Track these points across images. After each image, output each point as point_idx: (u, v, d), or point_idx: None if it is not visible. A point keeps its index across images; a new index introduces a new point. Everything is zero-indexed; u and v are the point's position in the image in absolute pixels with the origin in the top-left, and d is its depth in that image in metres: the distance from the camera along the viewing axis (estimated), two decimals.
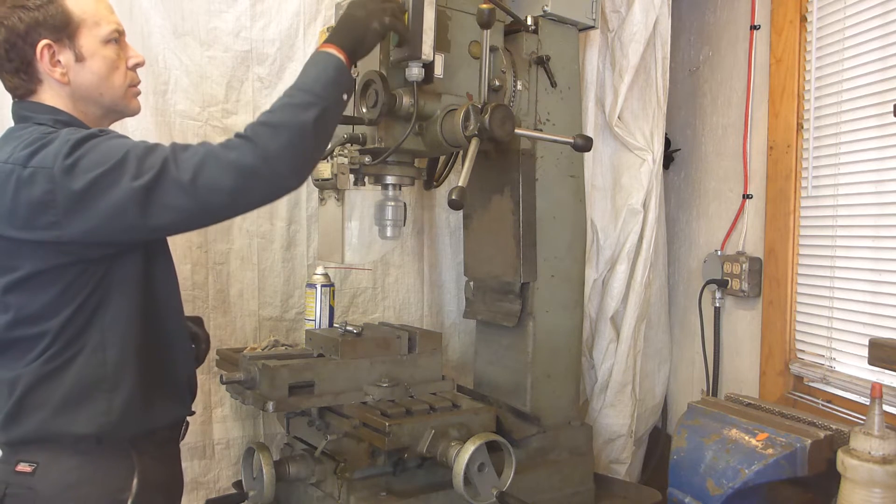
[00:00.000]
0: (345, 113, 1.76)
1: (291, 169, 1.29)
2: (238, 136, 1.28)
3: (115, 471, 1.36)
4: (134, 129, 2.00)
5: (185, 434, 1.59)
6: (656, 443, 2.76)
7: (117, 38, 1.43)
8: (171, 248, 2.05)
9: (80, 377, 1.33)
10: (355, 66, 1.53)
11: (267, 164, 1.25)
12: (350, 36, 1.44)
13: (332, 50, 1.39)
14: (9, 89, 1.41)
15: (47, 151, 1.24)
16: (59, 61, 1.36)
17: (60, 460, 1.32)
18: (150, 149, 1.26)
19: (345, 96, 1.39)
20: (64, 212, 1.23)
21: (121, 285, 1.37)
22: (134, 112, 1.52)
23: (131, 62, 1.47)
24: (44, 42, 1.34)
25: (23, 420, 1.32)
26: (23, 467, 1.31)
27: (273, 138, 1.26)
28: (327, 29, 1.92)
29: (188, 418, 1.59)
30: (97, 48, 1.39)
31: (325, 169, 1.78)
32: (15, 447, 1.34)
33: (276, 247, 2.25)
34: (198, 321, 1.78)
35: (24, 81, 1.37)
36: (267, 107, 2.13)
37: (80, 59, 1.38)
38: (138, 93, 1.51)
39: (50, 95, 1.39)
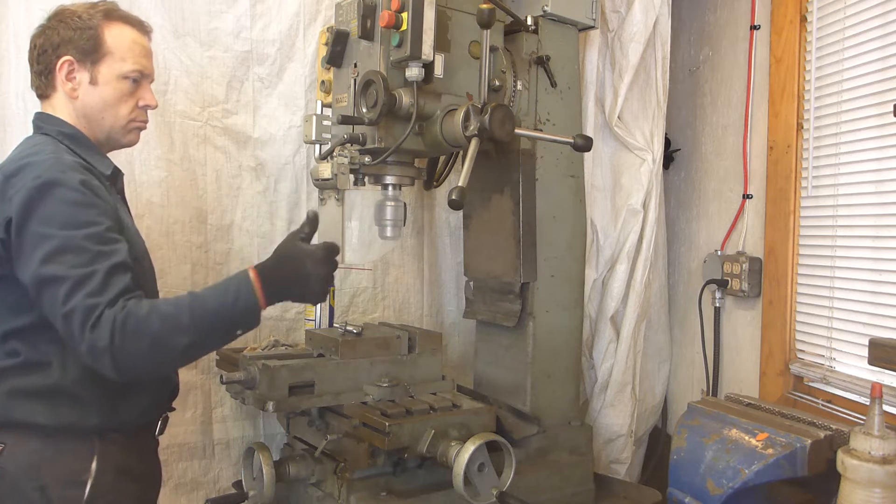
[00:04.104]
0: (344, 113, 1.77)
1: (129, 371, 1.31)
2: (121, 310, 1.28)
3: (76, 454, 1.42)
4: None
5: (163, 429, 1.63)
6: (656, 443, 2.76)
7: (137, 79, 1.54)
8: (171, 247, 2.07)
9: (46, 382, 1.40)
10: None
11: (115, 356, 1.27)
12: (283, 286, 1.41)
13: (256, 287, 1.36)
14: (32, 85, 1.55)
15: (25, 174, 1.35)
16: (74, 77, 1.49)
17: (25, 442, 1.40)
18: (77, 249, 1.31)
19: (239, 332, 1.38)
20: (7, 235, 1.34)
21: None
22: (129, 144, 1.61)
23: (142, 102, 1.56)
24: (66, 58, 1.48)
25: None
26: None
27: (136, 341, 1.28)
28: (327, 29, 1.92)
29: (168, 414, 1.64)
30: (112, 79, 1.51)
31: (325, 169, 1.78)
32: None
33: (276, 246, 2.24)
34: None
35: (43, 84, 1.52)
36: (267, 107, 2.20)
37: (93, 82, 1.50)
38: (141, 128, 1.59)
39: (59, 104, 1.52)
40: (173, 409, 1.66)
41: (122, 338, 1.26)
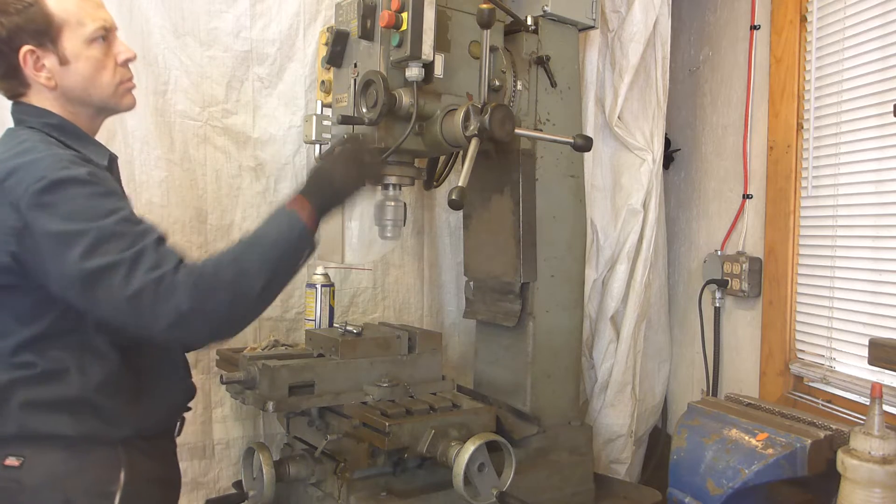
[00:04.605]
0: (344, 113, 1.77)
1: (218, 329, 1.29)
2: (189, 272, 1.24)
3: (103, 463, 1.36)
4: (134, 128, 2.00)
5: (181, 430, 1.59)
6: (656, 443, 2.76)
7: (104, 36, 1.40)
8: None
9: (66, 392, 1.33)
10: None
11: (199, 317, 1.23)
12: (325, 196, 1.41)
13: (297, 211, 1.35)
14: (1, 91, 1.41)
15: (21, 177, 1.24)
16: (43, 65, 1.35)
17: (47, 454, 1.32)
18: (117, 235, 1.23)
19: (302, 260, 1.37)
20: (19, 245, 1.24)
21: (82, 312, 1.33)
22: (127, 108, 1.49)
23: (121, 58, 1.43)
24: (26, 48, 1.33)
25: (12, 418, 1.32)
26: (10, 461, 1.31)
27: (212, 296, 1.24)
28: (327, 29, 1.92)
29: (185, 415, 1.60)
30: (81, 49, 1.37)
31: None
32: (4, 442, 1.33)
33: None
34: None
35: (12, 85, 1.38)
36: (267, 107, 2.20)
37: (63, 62, 1.36)
38: (131, 87, 1.47)
39: (39, 98, 1.38)
40: (189, 409, 1.61)
41: (201, 298, 1.21)
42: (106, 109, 1.46)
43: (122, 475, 1.36)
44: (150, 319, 1.21)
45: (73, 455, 1.33)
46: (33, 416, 1.32)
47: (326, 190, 1.42)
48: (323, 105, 1.98)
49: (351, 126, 1.75)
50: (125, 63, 1.44)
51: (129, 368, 1.39)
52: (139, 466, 1.39)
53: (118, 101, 1.45)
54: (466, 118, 1.67)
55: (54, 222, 1.22)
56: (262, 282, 1.28)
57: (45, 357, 1.32)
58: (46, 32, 1.33)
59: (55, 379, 1.32)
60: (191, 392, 1.58)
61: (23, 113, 1.40)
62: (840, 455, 1.62)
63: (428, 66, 1.68)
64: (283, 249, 1.32)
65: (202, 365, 2.12)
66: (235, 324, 1.32)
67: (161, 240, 1.27)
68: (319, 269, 2.14)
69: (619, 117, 2.43)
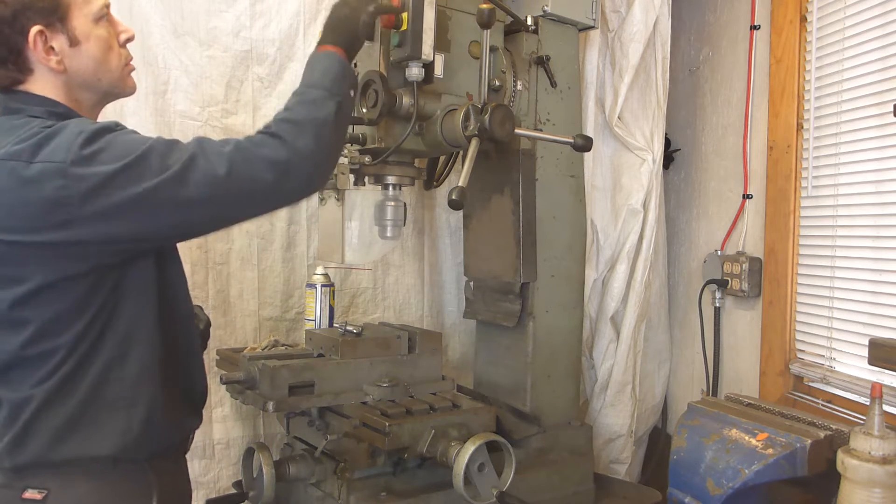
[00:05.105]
0: None
1: (317, 165, 1.28)
2: (262, 132, 1.25)
3: (134, 491, 1.29)
4: (134, 128, 1.98)
5: (191, 442, 1.55)
6: (656, 443, 2.76)
7: (106, 14, 1.33)
8: None
9: (96, 395, 1.25)
10: (355, 65, 1.52)
11: (298, 159, 1.23)
12: (343, 33, 1.42)
13: (330, 49, 1.38)
14: None
15: (56, 144, 1.14)
16: (52, 48, 1.25)
17: (74, 485, 1.23)
18: (172, 143, 1.22)
19: (352, 92, 1.38)
20: (79, 209, 1.13)
21: (134, 293, 1.28)
22: (131, 91, 1.42)
23: (122, 38, 1.37)
24: (36, 29, 1.23)
25: (32, 443, 1.22)
26: (31, 494, 1.21)
27: (300, 135, 1.24)
28: None
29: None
30: (90, 28, 1.29)
31: None
32: (22, 472, 1.23)
33: (276, 247, 2.24)
34: (197, 307, 1.69)
35: (11, 72, 1.26)
36: (267, 107, 2.19)
37: (74, 43, 1.27)
38: (133, 69, 1.41)
39: (42, 85, 1.28)
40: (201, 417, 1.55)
41: (290, 141, 1.22)
42: (111, 94, 1.40)
43: (155, 501, 1.30)
44: (254, 183, 1.20)
45: (101, 485, 1.25)
46: (53, 441, 1.22)
47: (344, 28, 1.43)
48: None
49: (351, 126, 1.75)
50: (126, 43, 1.39)
51: (165, 360, 1.34)
52: (168, 489, 1.33)
53: (124, 85, 1.39)
54: (466, 118, 1.67)
55: (114, 162, 1.15)
56: (332, 105, 1.29)
57: (86, 354, 1.23)
58: (55, 10, 1.24)
59: (74, 392, 1.23)
60: (205, 396, 1.53)
61: (21, 101, 1.27)
62: (840, 455, 1.62)
63: (428, 66, 1.68)
64: (332, 77, 1.33)
65: (204, 365, 2.11)
66: (330, 155, 1.32)
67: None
68: (319, 269, 2.14)
69: (619, 117, 2.43)
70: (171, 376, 1.37)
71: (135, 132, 1.27)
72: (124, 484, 1.27)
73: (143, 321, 1.30)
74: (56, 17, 1.25)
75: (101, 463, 1.25)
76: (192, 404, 1.48)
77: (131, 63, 1.41)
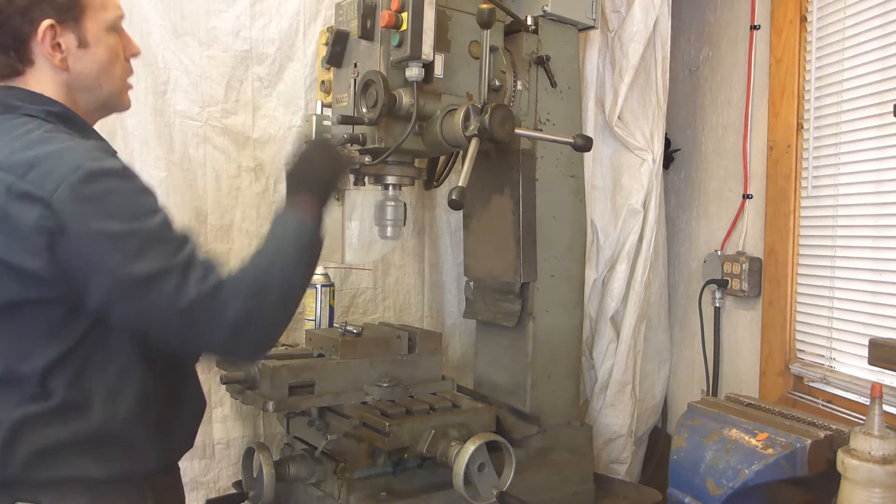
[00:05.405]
0: (344, 113, 1.77)
1: (271, 334, 1.24)
2: (237, 281, 1.19)
3: None
4: (134, 128, 2.00)
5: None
6: (656, 443, 2.76)
7: (118, 27, 1.32)
8: None
9: (89, 426, 1.19)
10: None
11: (257, 325, 1.18)
12: (320, 186, 1.37)
13: (305, 214, 1.32)
14: None
15: (50, 168, 1.10)
16: (59, 45, 1.23)
17: (66, 499, 1.18)
18: (162, 238, 1.15)
19: (313, 265, 1.32)
20: (50, 248, 1.09)
21: (121, 325, 1.21)
22: (125, 107, 1.40)
23: (130, 52, 1.36)
24: (48, 22, 1.20)
25: (15, 462, 1.16)
26: None
27: (265, 301, 1.19)
28: (327, 29, 1.92)
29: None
30: (101, 34, 1.27)
31: None
32: (10, 488, 1.17)
33: None
34: None
35: (10, 60, 1.22)
36: (266, 107, 2.19)
37: (83, 44, 1.25)
38: (131, 87, 1.40)
39: (39, 80, 1.24)
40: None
41: (256, 306, 1.16)
42: (107, 106, 1.37)
43: None
44: (206, 333, 1.15)
45: (97, 498, 1.20)
46: (51, 459, 1.17)
47: (314, 181, 1.38)
48: (323, 105, 1.98)
49: (351, 126, 1.75)
50: (131, 57, 1.38)
51: (161, 386, 1.29)
52: (163, 499, 1.30)
53: (121, 98, 1.37)
54: (466, 118, 1.67)
55: (98, 220, 1.10)
56: (301, 273, 1.27)
57: (70, 384, 1.17)
58: (71, 9, 1.23)
59: (78, 412, 1.18)
60: (205, 406, 1.47)
61: (17, 98, 1.23)
62: (840, 455, 1.62)
63: (428, 66, 1.68)
64: (303, 235, 1.30)
65: (202, 365, 2.11)
66: (283, 327, 1.27)
67: (197, 244, 1.20)
68: (319, 269, 2.14)
69: (619, 117, 2.43)
70: (168, 403, 1.32)
71: (142, 190, 1.20)
72: (120, 498, 1.24)
73: (133, 355, 1.24)
74: (70, 15, 1.23)
75: (98, 480, 1.21)
76: (192, 420, 1.43)
77: (130, 80, 1.39)
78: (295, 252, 1.27)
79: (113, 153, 1.28)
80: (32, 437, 1.16)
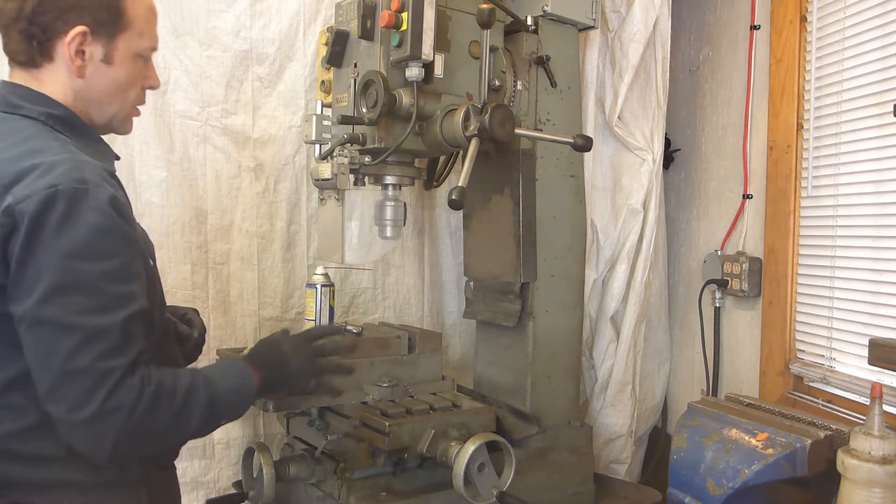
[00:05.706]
0: (344, 113, 1.77)
1: (131, 448, 1.16)
2: (156, 389, 1.12)
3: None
4: (134, 128, 1.98)
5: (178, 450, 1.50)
6: (656, 443, 2.76)
7: (148, 57, 1.34)
8: (171, 247, 2.07)
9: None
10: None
11: (125, 433, 1.10)
12: (278, 373, 1.37)
13: (252, 374, 1.30)
14: (7, 50, 1.24)
15: (28, 184, 1.09)
16: (83, 52, 1.22)
17: (61, 501, 1.18)
18: (103, 337, 1.09)
19: (227, 420, 1.31)
20: (8, 257, 1.09)
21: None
22: (125, 132, 1.40)
23: (148, 83, 1.37)
24: (81, 28, 1.20)
25: (7, 467, 1.15)
26: None
27: (158, 417, 1.13)
28: (327, 29, 1.92)
29: None
30: (128, 58, 1.28)
31: (325, 169, 1.78)
32: (4, 489, 1.16)
33: (276, 247, 2.24)
34: (192, 311, 1.66)
35: (31, 50, 1.21)
36: (266, 107, 2.19)
37: (107, 60, 1.25)
38: (138, 115, 1.41)
39: (51, 79, 1.23)
40: None
41: (143, 412, 1.09)
42: (109, 126, 1.36)
43: None
44: (71, 405, 1.07)
45: (92, 500, 1.19)
46: (41, 467, 1.16)
47: (272, 365, 1.37)
48: (323, 105, 1.98)
49: (351, 126, 1.75)
50: (146, 88, 1.38)
51: None
52: (159, 498, 1.31)
53: (124, 122, 1.37)
54: (466, 118, 1.67)
55: (41, 244, 1.06)
56: (201, 421, 1.21)
57: (35, 399, 1.13)
58: (109, 25, 1.23)
59: (54, 428, 1.13)
60: None
61: (21, 97, 1.22)
62: (840, 455, 1.62)
63: (428, 66, 1.68)
64: (230, 402, 1.27)
65: (202, 364, 2.11)
66: (149, 450, 1.23)
67: (134, 318, 1.12)
68: (319, 269, 2.14)
69: (619, 117, 2.43)
70: None
71: (109, 229, 1.13)
72: (116, 497, 1.23)
73: None
74: (107, 30, 1.23)
75: (90, 485, 1.20)
76: None
77: (139, 109, 1.39)
78: (219, 401, 1.23)
79: (111, 173, 1.24)
80: (16, 449, 1.15)
